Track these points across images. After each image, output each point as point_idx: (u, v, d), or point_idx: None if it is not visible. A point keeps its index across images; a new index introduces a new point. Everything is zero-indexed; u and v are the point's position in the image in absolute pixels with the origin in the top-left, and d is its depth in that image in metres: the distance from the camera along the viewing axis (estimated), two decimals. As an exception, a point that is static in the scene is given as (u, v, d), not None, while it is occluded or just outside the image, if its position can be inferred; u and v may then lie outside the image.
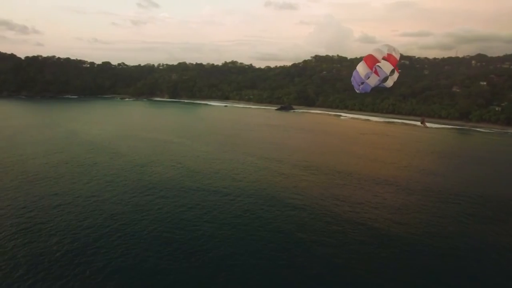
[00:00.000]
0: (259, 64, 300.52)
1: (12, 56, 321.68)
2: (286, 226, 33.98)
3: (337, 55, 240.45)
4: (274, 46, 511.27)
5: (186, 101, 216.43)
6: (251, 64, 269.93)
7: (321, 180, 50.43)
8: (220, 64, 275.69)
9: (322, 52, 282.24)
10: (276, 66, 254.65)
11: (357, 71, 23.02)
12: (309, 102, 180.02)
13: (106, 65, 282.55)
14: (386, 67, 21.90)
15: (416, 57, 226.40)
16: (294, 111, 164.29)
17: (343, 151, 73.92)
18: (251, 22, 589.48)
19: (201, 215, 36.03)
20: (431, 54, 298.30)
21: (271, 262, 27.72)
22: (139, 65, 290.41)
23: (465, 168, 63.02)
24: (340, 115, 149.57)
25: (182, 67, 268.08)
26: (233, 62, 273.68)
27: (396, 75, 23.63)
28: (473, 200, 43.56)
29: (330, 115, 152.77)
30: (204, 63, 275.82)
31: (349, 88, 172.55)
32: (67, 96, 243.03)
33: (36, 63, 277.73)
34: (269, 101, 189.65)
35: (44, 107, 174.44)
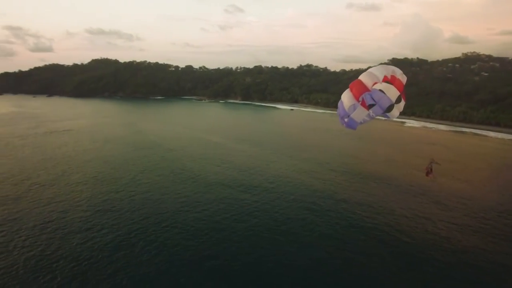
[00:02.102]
0: (343, 66, 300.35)
1: (116, 62, 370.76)
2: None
3: (417, 58, 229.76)
4: (357, 48, 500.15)
5: (256, 103, 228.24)
6: (326, 67, 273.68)
7: (376, 193, 50.11)
8: (295, 67, 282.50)
9: (409, 54, 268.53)
10: (351, 69, 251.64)
11: (341, 102, 19.50)
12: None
13: (188, 68, 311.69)
14: (391, 92, 18.10)
15: (510, 58, 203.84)
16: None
17: (401, 162, 71.24)
18: (334, 24, 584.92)
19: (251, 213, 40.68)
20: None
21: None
22: (218, 68, 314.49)
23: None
24: (405, 122, 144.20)
25: (258, 70, 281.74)
26: (308, 65, 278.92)
27: (402, 104, 19.71)
28: None
29: (393, 121, 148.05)
30: (287, 65, 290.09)
31: (422, 93, 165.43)
32: (153, 97, 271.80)
33: (131, 67, 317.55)
34: (335, 105, 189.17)
35: (131, 106, 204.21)
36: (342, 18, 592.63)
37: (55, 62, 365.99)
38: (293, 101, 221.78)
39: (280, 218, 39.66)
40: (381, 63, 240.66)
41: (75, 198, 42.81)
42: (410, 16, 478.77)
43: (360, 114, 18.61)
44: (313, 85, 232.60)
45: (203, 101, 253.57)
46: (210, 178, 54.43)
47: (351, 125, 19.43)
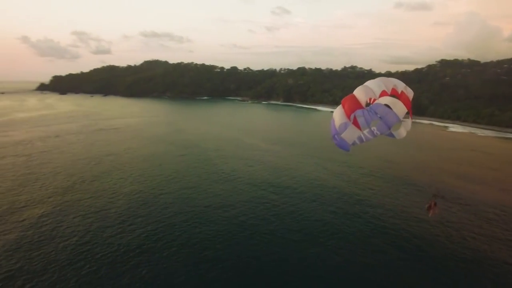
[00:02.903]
0: (391, 68, 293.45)
1: (165, 63, 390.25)
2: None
3: (468, 59, 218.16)
4: (407, 49, 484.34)
5: (298, 105, 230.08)
6: (370, 69, 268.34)
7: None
8: (339, 69, 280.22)
9: (462, 55, 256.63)
10: (397, 71, 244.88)
11: (333, 119, 17.67)
12: (419, 110, 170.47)
13: (233, 69, 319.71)
14: (398, 107, 16.42)
15: None
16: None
17: (436, 168, 68.89)
18: (382, 25, 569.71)
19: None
20: None
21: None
22: (263, 69, 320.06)
23: None
24: (448, 127, 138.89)
25: (301, 72, 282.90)
26: (353, 67, 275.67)
27: (410, 122, 18.16)
28: None
29: (435, 126, 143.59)
30: (332, 67, 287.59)
31: (470, 96, 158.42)
32: (199, 98, 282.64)
33: (179, 68, 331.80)
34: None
35: (177, 106, 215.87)
36: (391, 18, 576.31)
37: (113, 63, 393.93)
38: (335, 103, 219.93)
39: (306, 220, 40.73)
40: (429, 65, 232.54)
41: (114, 193, 47.57)
42: (464, 14, 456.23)
43: (351, 134, 16.72)
44: (355, 87, 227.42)
45: (246, 101, 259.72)
46: (243, 178, 56.79)
47: (342, 146, 17.42)
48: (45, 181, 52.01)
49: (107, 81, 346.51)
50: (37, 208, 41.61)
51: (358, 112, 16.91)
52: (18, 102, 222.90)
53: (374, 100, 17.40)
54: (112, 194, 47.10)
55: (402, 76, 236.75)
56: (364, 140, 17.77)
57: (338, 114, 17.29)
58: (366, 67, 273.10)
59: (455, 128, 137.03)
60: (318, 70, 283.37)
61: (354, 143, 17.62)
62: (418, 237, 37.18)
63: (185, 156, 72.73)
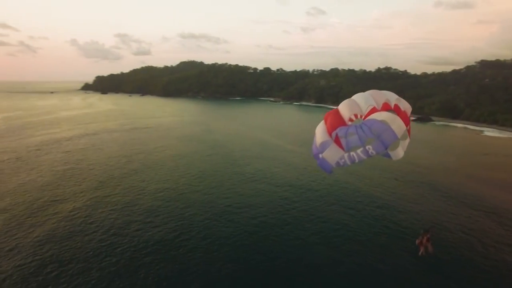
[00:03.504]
0: (430, 68, 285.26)
1: (201, 64, 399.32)
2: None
3: (511, 59, 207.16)
4: (447, 49, 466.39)
5: (329, 106, 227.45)
6: (405, 70, 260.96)
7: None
8: (373, 70, 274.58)
9: (508, 55, 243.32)
10: (433, 72, 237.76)
11: (315, 136, 16.19)
12: (454, 113, 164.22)
13: (266, 70, 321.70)
14: (397, 124, 14.39)
15: None
16: (430, 124, 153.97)
17: (465, 174, 66.61)
18: (421, 24, 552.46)
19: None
20: None
21: None
22: (295, 70, 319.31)
23: None
24: (483, 131, 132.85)
25: (334, 73, 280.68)
26: (387, 68, 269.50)
27: (407, 142, 16.46)
28: None
29: (470, 130, 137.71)
30: (368, 67, 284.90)
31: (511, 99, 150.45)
32: (232, 98, 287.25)
33: (214, 69, 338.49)
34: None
35: (209, 106, 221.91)
36: (430, 17, 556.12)
37: (152, 64, 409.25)
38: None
39: (324, 222, 40.97)
40: (468, 65, 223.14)
41: (140, 190, 50.29)
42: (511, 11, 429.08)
43: (333, 154, 15.07)
44: (389, 89, 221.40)
45: (278, 102, 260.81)
46: (266, 179, 57.58)
47: (324, 167, 15.66)
48: (79, 177, 55.81)
49: (144, 81, 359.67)
50: (70, 202, 45.05)
51: (349, 129, 14.89)
52: (64, 101, 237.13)
53: (359, 115, 15.42)
54: (138, 192, 49.75)
55: (439, 77, 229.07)
56: (357, 160, 15.43)
57: (319, 130, 15.63)
58: (403, 68, 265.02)
59: (491, 132, 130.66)
60: (351, 71, 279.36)
61: (344, 164, 15.64)
62: (438, 244, 36.09)
63: (212, 156, 74.80)
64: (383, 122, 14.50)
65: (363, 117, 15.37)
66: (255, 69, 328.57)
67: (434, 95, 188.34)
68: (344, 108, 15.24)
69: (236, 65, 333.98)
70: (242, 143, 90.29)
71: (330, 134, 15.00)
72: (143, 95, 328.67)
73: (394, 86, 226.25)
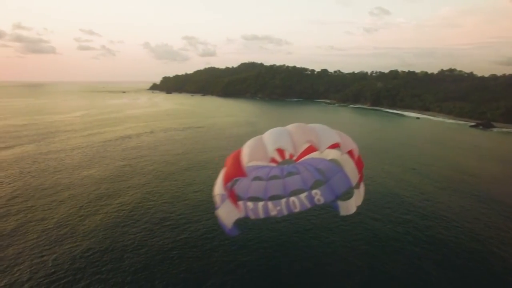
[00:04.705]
0: (501, 70, 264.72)
1: (261, 65, 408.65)
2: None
3: None
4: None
5: (384, 110, 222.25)
6: (471, 72, 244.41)
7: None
8: (435, 72, 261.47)
9: None
10: (504, 74, 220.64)
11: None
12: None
13: (323, 72, 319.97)
14: (349, 168, 11.84)
15: None
16: (491, 130, 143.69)
17: None
18: (495, 22, 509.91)
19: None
20: None
21: None
22: (353, 72, 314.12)
23: None
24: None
25: (393, 75, 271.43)
26: (451, 70, 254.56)
27: (362, 193, 12.96)
28: None
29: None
30: (434, 69, 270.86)
31: None
32: (289, 99, 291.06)
33: (272, 70, 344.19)
34: (470, 115, 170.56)
35: (265, 107, 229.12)
36: (506, 14, 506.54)
37: (217, 65, 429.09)
38: (424, 108, 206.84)
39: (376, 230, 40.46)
40: None
41: (179, 191, 54.60)
42: None
43: (228, 212, 11.86)
44: (451, 92, 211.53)
45: (333, 104, 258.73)
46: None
47: (224, 228, 12.41)
48: (132, 174, 61.85)
49: (206, 82, 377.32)
50: (120, 197, 50.50)
51: (286, 169, 12.25)
52: (132, 100, 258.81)
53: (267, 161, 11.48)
54: (177, 192, 53.90)
55: (510, 79, 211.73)
56: (298, 209, 12.44)
57: (219, 179, 12.43)
58: (473, 69, 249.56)
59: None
60: (411, 73, 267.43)
61: (279, 213, 12.82)
62: (474, 258, 34.66)
63: None
64: (333, 162, 12.08)
65: (294, 156, 12.43)
66: (313, 70, 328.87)
67: (501, 99, 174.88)
68: (245, 152, 11.26)
69: (294, 67, 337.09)
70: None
71: (225, 185, 11.50)
72: (204, 95, 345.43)
73: (458, 89, 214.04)
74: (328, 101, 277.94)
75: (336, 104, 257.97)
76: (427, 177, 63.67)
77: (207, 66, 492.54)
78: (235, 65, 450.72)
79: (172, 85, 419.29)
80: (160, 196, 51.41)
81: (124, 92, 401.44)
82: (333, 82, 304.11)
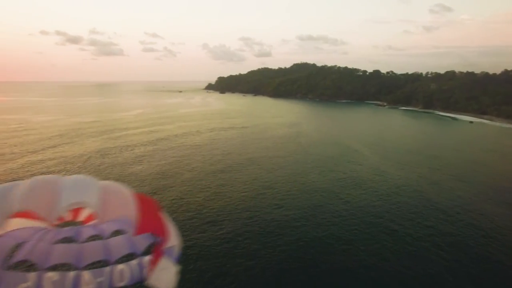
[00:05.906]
0: None
1: (313, 66, 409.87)
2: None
3: None
4: None
5: (437, 112, 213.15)
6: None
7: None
8: (498, 72, 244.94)
9: None
10: None
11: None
12: None
13: (375, 73, 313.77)
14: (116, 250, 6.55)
15: None
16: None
17: None
18: None
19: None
20: None
21: None
22: (407, 73, 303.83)
23: None
24: None
25: (449, 76, 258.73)
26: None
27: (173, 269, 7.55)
28: None
29: None
30: (497, 69, 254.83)
31: None
32: (339, 101, 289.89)
33: (323, 71, 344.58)
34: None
35: (313, 108, 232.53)
36: None
37: (271, 65, 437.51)
38: (481, 112, 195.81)
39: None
40: None
41: (220, 196, 58.81)
42: None
43: None
44: (509, 94, 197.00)
45: (383, 106, 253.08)
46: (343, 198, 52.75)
47: None
48: (173, 176, 67.18)
49: (259, 82, 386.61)
50: (160, 195, 59.50)
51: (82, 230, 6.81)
52: (186, 99, 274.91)
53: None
54: (209, 194, 58.24)
55: None
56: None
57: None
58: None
59: None
60: (469, 74, 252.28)
61: None
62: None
63: (282, 160, 76.04)
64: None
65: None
66: (364, 71, 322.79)
67: None
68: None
69: (345, 67, 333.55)
70: (326, 152, 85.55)
71: None
72: (255, 95, 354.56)
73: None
74: (378, 102, 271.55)
75: (387, 106, 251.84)
76: (471, 185, 59.64)
77: (261, 67, 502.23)
78: (287, 66, 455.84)
79: (226, 85, 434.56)
80: (190, 198, 56.03)
81: (180, 91, 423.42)
82: (385, 84, 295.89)
